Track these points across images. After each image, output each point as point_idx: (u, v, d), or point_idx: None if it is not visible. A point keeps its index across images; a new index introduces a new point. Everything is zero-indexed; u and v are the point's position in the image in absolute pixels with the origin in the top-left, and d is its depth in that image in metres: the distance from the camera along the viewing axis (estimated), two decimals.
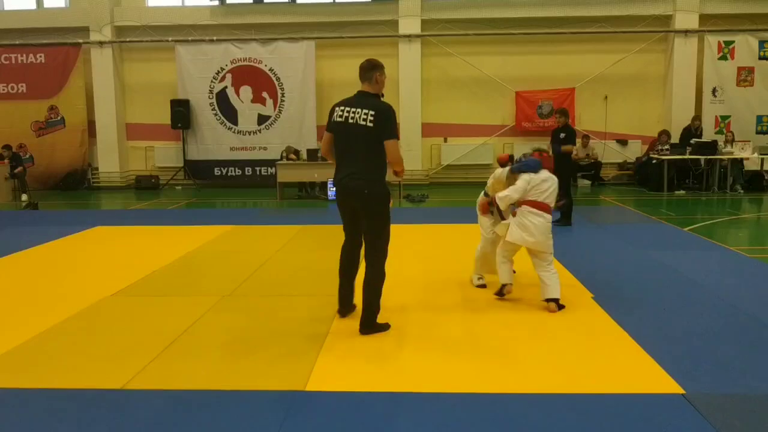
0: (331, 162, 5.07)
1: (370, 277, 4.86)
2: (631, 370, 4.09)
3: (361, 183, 4.73)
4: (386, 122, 4.67)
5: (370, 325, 4.84)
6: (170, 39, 15.85)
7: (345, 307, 5.20)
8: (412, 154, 15.63)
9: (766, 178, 14.43)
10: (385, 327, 4.92)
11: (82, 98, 16.19)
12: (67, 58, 16.06)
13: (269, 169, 15.50)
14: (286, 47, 15.76)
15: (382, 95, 4.89)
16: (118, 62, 16.29)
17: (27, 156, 15.97)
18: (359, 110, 4.72)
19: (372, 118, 4.65)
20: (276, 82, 15.82)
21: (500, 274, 5.56)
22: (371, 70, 4.84)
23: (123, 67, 16.49)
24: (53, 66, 16.06)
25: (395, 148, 4.75)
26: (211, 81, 15.94)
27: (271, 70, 15.83)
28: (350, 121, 4.75)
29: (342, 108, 4.84)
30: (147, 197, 14.66)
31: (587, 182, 15.47)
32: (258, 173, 16.09)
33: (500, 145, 16.16)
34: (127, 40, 16.15)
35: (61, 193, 15.68)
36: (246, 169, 16.13)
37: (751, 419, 3.40)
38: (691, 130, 14.52)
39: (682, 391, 3.70)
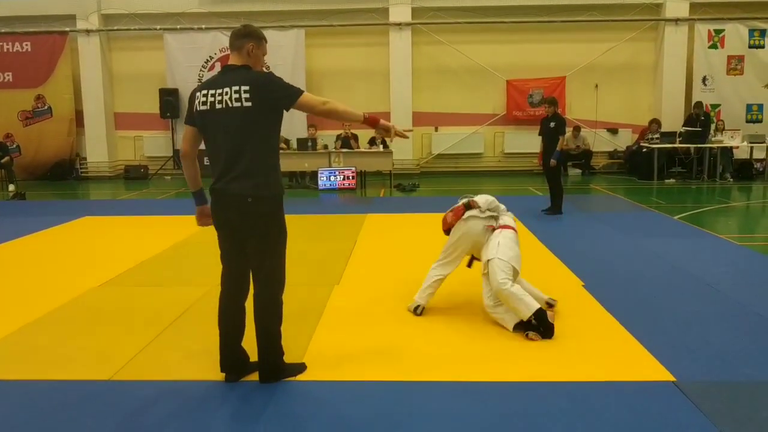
0: (189, 165, 3.96)
1: (265, 316, 3.74)
2: (622, 357, 4.09)
3: (242, 186, 3.54)
4: (273, 88, 3.52)
5: (275, 371, 3.79)
6: (158, 27, 15.70)
7: (235, 372, 3.84)
8: (403, 143, 15.56)
9: (755, 166, 14.50)
10: (298, 368, 3.90)
11: (70, 87, 16.02)
12: (54, 47, 15.88)
13: None
14: (276, 35, 15.58)
15: None
16: (105, 51, 16.12)
17: (14, 146, 15.81)
18: (227, 89, 3.50)
19: (247, 95, 3.46)
20: (265, 71, 15.67)
21: (526, 304, 4.47)
22: (243, 38, 3.63)
23: (111, 55, 16.33)
24: (40, 54, 15.88)
25: (313, 99, 3.59)
26: (200, 70, 15.81)
27: None
28: (217, 106, 3.52)
29: (204, 92, 3.58)
30: (136, 187, 14.55)
31: (578, 171, 15.49)
32: None
33: (491, 134, 16.16)
34: (115, 28, 15.98)
35: (48, 184, 15.54)
36: None
37: (741, 406, 3.41)
38: (693, 117, 14.39)
39: (672, 379, 3.71)
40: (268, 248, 3.68)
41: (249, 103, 3.46)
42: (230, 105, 3.48)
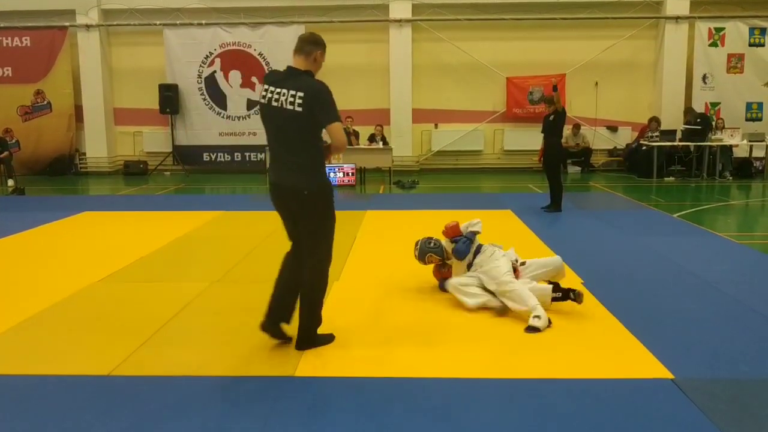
0: None
1: (309, 286, 4.16)
2: (621, 355, 4.10)
3: (295, 183, 3.97)
4: (320, 104, 3.88)
5: (309, 340, 4.20)
6: (158, 23, 15.66)
7: (269, 320, 4.23)
8: (402, 140, 15.58)
9: (754, 165, 14.50)
10: (328, 338, 4.31)
11: (69, 82, 15.99)
12: (54, 42, 15.83)
13: (259, 154, 15.39)
14: (276, 31, 15.62)
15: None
16: (105, 46, 16.09)
17: (13, 141, 15.77)
18: (285, 91, 3.92)
19: (300, 101, 3.86)
20: (265, 67, 15.68)
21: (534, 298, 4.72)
22: (312, 44, 4.10)
23: (110, 51, 16.29)
24: (39, 49, 15.83)
25: (339, 132, 3.96)
26: (200, 65, 15.80)
27: (260, 54, 15.70)
28: (273, 103, 3.95)
29: (266, 87, 4.04)
30: (135, 183, 14.55)
31: (577, 169, 15.49)
32: (247, 159, 16.00)
33: (491, 131, 16.15)
34: (115, 23, 15.94)
35: (48, 179, 15.51)
36: (235, 154, 16.04)
37: (738, 404, 3.42)
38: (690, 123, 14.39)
39: (671, 376, 3.71)
40: (318, 231, 4.09)
41: (300, 109, 3.86)
42: (284, 107, 3.90)
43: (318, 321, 4.26)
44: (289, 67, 4.06)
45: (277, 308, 4.22)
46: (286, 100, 3.89)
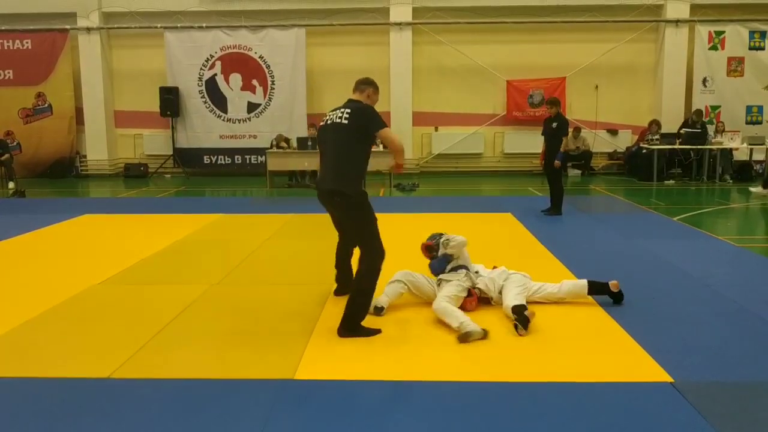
0: None
1: (358, 277, 4.63)
2: (620, 358, 4.10)
3: (332, 188, 4.63)
4: (366, 117, 4.58)
5: (352, 328, 4.50)
6: (159, 26, 15.69)
7: (340, 289, 5.35)
8: (403, 143, 15.55)
9: (754, 168, 14.50)
10: (372, 332, 4.53)
11: (70, 85, 16.02)
12: (55, 45, 15.87)
13: (259, 157, 15.39)
14: (276, 34, 15.64)
15: None
16: (106, 49, 16.13)
17: (14, 143, 15.81)
18: (339, 111, 4.70)
19: (347, 115, 4.59)
20: (266, 70, 15.71)
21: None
22: (366, 84, 4.85)
23: (111, 53, 16.33)
24: (40, 52, 15.87)
25: (389, 134, 4.63)
26: (201, 68, 15.82)
27: (261, 57, 15.72)
28: (328, 122, 4.74)
29: (327, 115, 4.84)
30: (136, 185, 14.56)
31: (578, 172, 15.50)
32: (248, 161, 16.02)
33: (491, 134, 16.17)
34: (115, 26, 15.99)
35: (48, 181, 15.54)
36: (236, 157, 16.04)
37: (739, 407, 3.42)
38: (690, 122, 14.44)
39: (670, 380, 3.71)
40: (358, 229, 4.71)
41: (346, 121, 4.58)
42: (335, 121, 4.66)
43: (364, 311, 4.60)
44: (348, 99, 4.80)
45: (343, 283, 5.25)
46: (337, 117, 4.66)
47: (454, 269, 5.12)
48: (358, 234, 4.72)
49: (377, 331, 4.55)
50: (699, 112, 14.56)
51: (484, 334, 4.40)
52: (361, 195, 4.65)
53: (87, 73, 15.92)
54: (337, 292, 5.36)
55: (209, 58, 15.80)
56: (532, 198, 11.55)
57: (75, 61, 15.99)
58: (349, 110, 4.63)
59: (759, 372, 3.85)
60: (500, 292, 5.05)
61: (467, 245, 5.24)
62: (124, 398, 3.58)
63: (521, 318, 4.54)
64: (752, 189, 12.07)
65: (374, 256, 4.59)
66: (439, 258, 5.17)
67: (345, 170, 4.61)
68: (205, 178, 15.83)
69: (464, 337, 4.36)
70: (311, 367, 3.97)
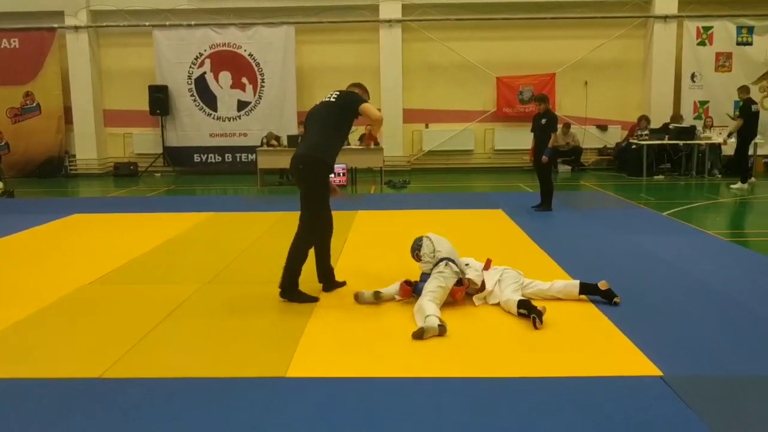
0: None
1: (292, 245, 5.14)
2: (610, 353, 4.13)
3: (301, 152, 5.12)
4: (350, 95, 5.17)
5: (285, 292, 5.16)
6: (147, 24, 15.61)
7: (323, 281, 5.56)
8: (393, 140, 15.60)
9: None
10: (308, 298, 5.14)
11: (58, 84, 15.91)
12: (42, 44, 15.75)
13: (249, 155, 15.35)
14: (266, 32, 15.59)
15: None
16: (94, 47, 16.02)
17: (3, 143, 15.72)
18: (329, 94, 5.28)
19: (336, 95, 5.21)
20: (255, 68, 15.67)
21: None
22: (355, 85, 5.45)
23: (99, 52, 16.23)
24: (28, 51, 15.74)
25: (370, 107, 5.09)
26: (190, 66, 15.75)
27: (250, 55, 15.67)
28: (317, 104, 5.32)
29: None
30: (125, 184, 14.50)
31: (568, 168, 15.55)
32: (238, 160, 15.97)
33: (482, 130, 16.20)
34: (104, 24, 15.89)
35: (38, 181, 15.43)
36: (226, 155, 16.00)
37: (728, 400, 3.45)
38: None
39: (659, 373, 3.74)
40: (306, 199, 5.14)
41: (333, 99, 5.19)
42: (323, 101, 5.26)
43: (293, 276, 5.13)
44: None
45: (324, 276, 5.53)
46: (325, 98, 5.26)
47: (436, 264, 5.11)
48: (305, 201, 5.12)
49: (314, 299, 5.16)
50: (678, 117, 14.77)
51: (440, 331, 4.41)
52: (323, 164, 5.07)
53: (75, 72, 15.81)
54: (325, 288, 5.53)
55: (198, 56, 15.74)
56: (523, 194, 11.58)
57: (63, 59, 15.89)
58: (338, 92, 5.25)
59: (748, 366, 3.88)
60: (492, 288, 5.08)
61: (451, 242, 5.28)
62: (115, 398, 3.57)
63: (535, 311, 4.58)
64: (732, 186, 12.17)
65: (309, 230, 5.15)
66: (423, 278, 5.13)
67: (319, 140, 5.09)
68: (196, 176, 15.78)
69: (418, 334, 4.38)
70: (303, 365, 3.97)
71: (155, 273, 6.45)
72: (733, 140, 12.70)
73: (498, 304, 5.02)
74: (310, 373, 3.86)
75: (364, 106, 5.07)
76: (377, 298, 5.15)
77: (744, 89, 12.61)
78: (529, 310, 4.64)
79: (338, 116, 5.14)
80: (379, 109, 5.23)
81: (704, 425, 3.15)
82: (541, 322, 4.54)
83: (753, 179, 12.78)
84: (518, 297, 4.90)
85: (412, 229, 6.52)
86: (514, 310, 4.78)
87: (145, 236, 8.01)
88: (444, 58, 15.82)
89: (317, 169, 5.06)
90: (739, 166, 12.44)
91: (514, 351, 4.19)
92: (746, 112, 12.28)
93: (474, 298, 5.14)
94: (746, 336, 4.38)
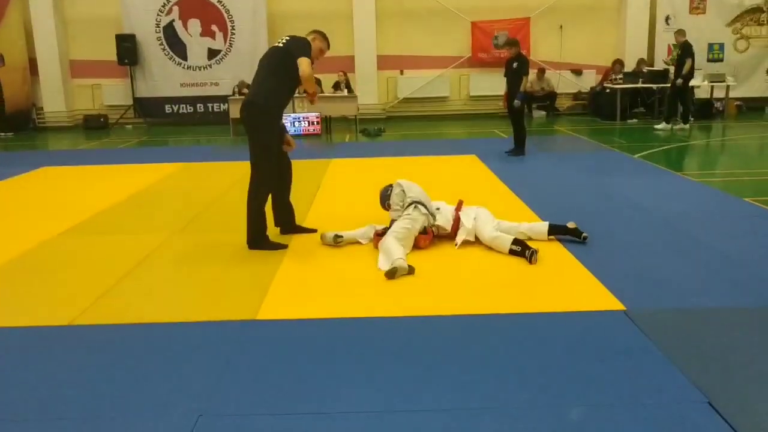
0: None
1: (248, 198, 5.11)
2: (575, 288, 4.21)
3: (248, 99, 5.07)
4: (295, 42, 5.01)
5: (254, 242, 5.16)
6: None
7: (280, 225, 5.61)
8: (368, 87, 15.43)
9: (715, 105, 14.67)
10: (277, 246, 5.17)
11: (21, 34, 15.42)
12: None
13: (221, 105, 15.12)
14: None
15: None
16: None
17: None
18: (280, 38, 5.21)
19: (285, 40, 5.08)
20: (225, 15, 15.30)
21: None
22: (314, 32, 5.40)
23: None
24: None
25: (306, 64, 4.83)
26: (158, 14, 15.33)
27: (219, 1, 15.28)
28: (268, 49, 5.33)
29: None
30: (96, 137, 14.25)
31: (542, 113, 15.55)
32: (210, 110, 15.72)
33: (457, 76, 16.06)
34: None
35: (4, 135, 15.08)
36: (198, 105, 15.74)
37: (686, 331, 3.54)
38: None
39: (623, 308, 3.83)
40: (253, 147, 5.09)
41: (281, 44, 5.10)
42: (274, 45, 5.24)
43: (257, 225, 5.13)
44: None
45: (281, 219, 5.57)
46: (276, 42, 5.21)
47: (406, 208, 5.15)
48: (253, 150, 5.07)
49: (283, 246, 5.18)
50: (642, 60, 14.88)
51: (410, 270, 4.49)
52: (266, 110, 4.99)
53: (39, 21, 15.31)
54: (282, 231, 5.59)
55: (166, 3, 15.31)
56: (498, 140, 11.58)
57: (25, 8, 15.35)
58: (289, 37, 5.12)
59: (709, 300, 3.98)
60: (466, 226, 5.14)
61: (423, 187, 5.33)
62: (86, 344, 3.58)
63: (529, 249, 4.73)
64: (657, 127, 12.36)
65: (260, 180, 5.09)
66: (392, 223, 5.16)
67: (264, 85, 5.01)
68: (168, 127, 15.52)
69: (390, 273, 4.44)
70: (273, 308, 4.00)
71: (125, 223, 6.39)
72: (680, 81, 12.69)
73: (478, 241, 5.08)
74: (281, 316, 3.89)
75: (300, 59, 4.85)
76: (336, 242, 5.20)
77: (681, 32, 12.68)
78: (523, 248, 4.77)
79: (283, 61, 4.97)
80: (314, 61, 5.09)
81: (664, 356, 3.23)
82: (536, 258, 4.67)
83: (692, 119, 12.96)
84: (504, 235, 4.97)
85: (385, 176, 6.52)
86: (505, 247, 4.86)
87: (115, 188, 7.92)
88: (418, 3, 15.54)
89: (261, 115, 4.98)
90: (684, 106, 12.62)
91: (483, 289, 4.25)
92: (690, 52, 12.35)
93: (457, 238, 5.16)
94: (710, 272, 4.47)
